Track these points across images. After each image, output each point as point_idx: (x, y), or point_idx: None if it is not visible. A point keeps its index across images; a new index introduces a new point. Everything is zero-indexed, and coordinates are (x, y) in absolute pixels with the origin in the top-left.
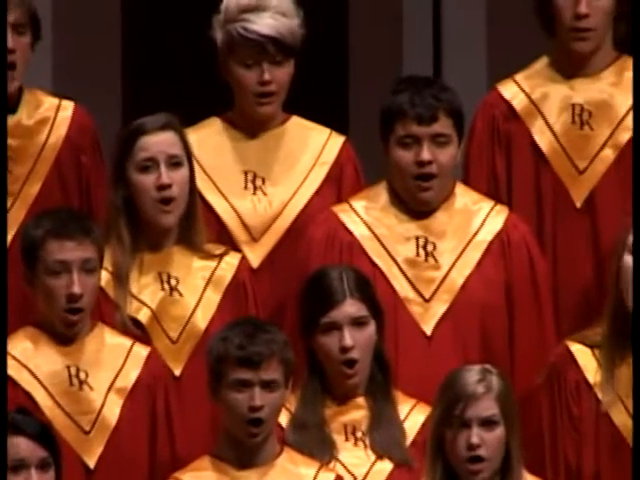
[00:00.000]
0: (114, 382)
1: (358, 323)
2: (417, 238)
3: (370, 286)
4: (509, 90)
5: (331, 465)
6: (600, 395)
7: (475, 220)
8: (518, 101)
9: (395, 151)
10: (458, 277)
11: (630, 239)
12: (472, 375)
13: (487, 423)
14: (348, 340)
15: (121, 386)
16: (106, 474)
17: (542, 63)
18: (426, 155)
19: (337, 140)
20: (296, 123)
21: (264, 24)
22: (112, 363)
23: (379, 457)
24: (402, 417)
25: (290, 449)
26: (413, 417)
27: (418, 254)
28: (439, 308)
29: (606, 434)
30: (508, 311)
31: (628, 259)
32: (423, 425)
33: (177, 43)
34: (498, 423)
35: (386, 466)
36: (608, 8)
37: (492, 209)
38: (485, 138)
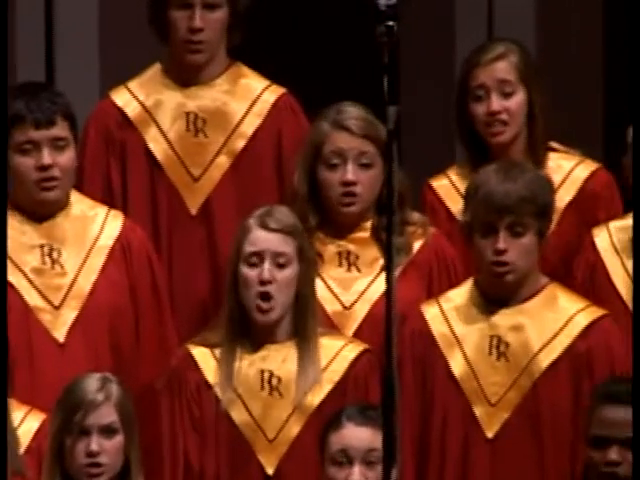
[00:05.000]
0: None
1: None
2: (42, 246)
3: None
4: (122, 98)
5: None
6: (220, 394)
7: (94, 226)
8: (131, 109)
9: (15, 158)
10: (85, 283)
11: (247, 250)
12: (92, 383)
13: (106, 431)
14: None
15: None
16: None
17: (155, 70)
18: (47, 160)
19: None
20: None
21: None
22: None
23: None
24: (16, 424)
25: None
26: (27, 424)
27: (44, 262)
28: (69, 315)
29: (226, 433)
30: (134, 314)
31: (245, 270)
32: (37, 432)
33: None
34: (117, 431)
35: None
36: (222, 20)
37: (108, 214)
38: (99, 146)
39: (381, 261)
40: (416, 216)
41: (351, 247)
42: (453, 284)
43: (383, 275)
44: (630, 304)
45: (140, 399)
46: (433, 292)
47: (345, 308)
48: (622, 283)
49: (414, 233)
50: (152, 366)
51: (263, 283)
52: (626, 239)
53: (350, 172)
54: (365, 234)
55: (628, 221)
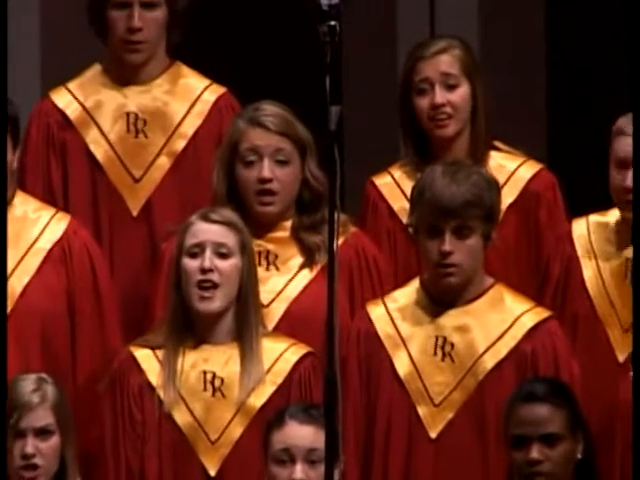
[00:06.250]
0: None
1: None
2: None
3: None
4: (62, 99)
5: None
6: (162, 396)
7: (34, 228)
8: (72, 110)
9: None
10: (17, 285)
11: (188, 242)
12: (27, 385)
13: (42, 433)
14: None
15: None
16: None
17: (95, 70)
18: None
19: None
20: None
21: None
22: None
23: None
24: None
25: None
26: None
27: None
28: None
29: (168, 435)
30: (70, 318)
31: (186, 261)
32: None
33: None
34: (53, 432)
35: None
36: (161, 19)
37: (53, 217)
38: (40, 147)
39: (300, 260)
40: None
41: (270, 246)
42: (375, 282)
43: (301, 274)
44: (598, 306)
45: (80, 402)
46: (354, 290)
47: (263, 307)
48: (592, 284)
49: None
50: (91, 372)
51: (204, 271)
52: (602, 238)
53: (266, 169)
54: (285, 233)
55: (607, 218)
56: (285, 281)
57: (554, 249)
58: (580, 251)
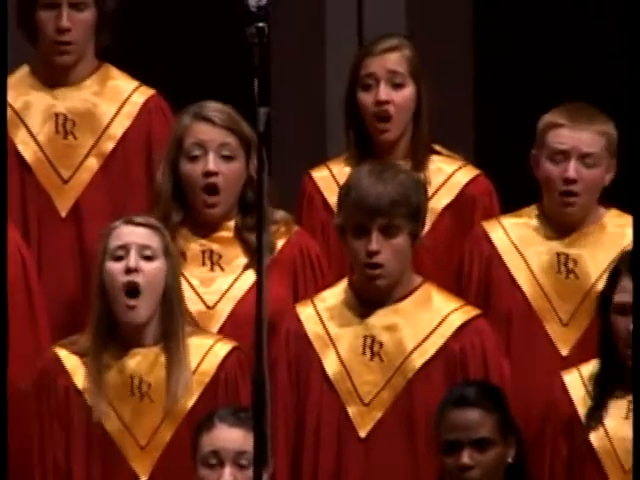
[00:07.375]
0: None
1: None
2: None
3: None
4: None
5: None
6: (90, 401)
7: None
8: None
9: None
10: None
11: (112, 244)
12: None
13: None
14: None
15: None
16: None
17: (23, 72)
18: None
19: None
20: None
21: None
22: None
23: None
24: None
25: None
26: None
27: None
28: None
29: (97, 440)
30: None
31: (110, 264)
32: None
33: None
34: None
35: None
36: (90, 20)
37: None
38: None
39: (244, 260)
40: (280, 214)
41: (214, 246)
42: (318, 280)
43: (246, 274)
44: (533, 300)
45: (12, 401)
46: (299, 289)
47: (208, 307)
48: (524, 278)
49: (277, 231)
50: (23, 369)
51: (129, 271)
52: (527, 235)
53: (211, 162)
54: (228, 233)
55: (522, 219)
56: (230, 281)
57: (470, 251)
58: (501, 250)
